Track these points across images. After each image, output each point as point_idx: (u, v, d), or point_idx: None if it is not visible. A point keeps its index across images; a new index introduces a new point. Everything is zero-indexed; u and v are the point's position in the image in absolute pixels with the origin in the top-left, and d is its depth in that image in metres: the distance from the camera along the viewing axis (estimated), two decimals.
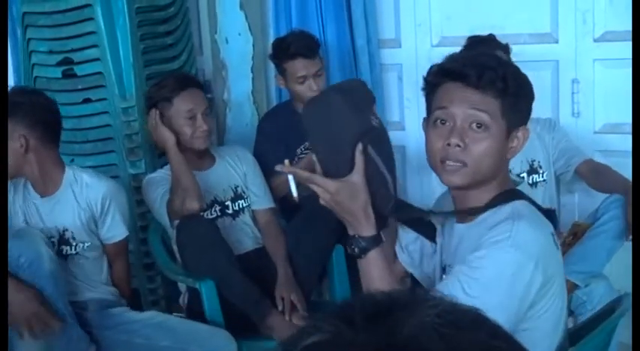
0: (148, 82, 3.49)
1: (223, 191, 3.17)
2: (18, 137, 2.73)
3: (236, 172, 3.23)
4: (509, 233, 1.64)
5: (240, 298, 2.92)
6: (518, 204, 1.74)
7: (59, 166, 2.87)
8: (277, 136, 3.42)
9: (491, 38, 3.14)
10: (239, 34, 3.92)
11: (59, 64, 3.51)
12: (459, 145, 1.71)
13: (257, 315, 2.94)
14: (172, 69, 3.60)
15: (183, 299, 3.13)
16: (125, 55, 3.41)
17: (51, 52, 3.52)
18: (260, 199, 3.25)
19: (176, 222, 2.96)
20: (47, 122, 2.81)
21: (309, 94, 3.33)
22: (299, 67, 3.35)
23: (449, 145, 1.72)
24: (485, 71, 1.71)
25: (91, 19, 3.41)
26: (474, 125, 1.71)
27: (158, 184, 3.04)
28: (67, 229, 2.85)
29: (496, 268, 1.63)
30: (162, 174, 3.08)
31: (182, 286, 3.16)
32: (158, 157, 3.45)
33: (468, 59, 1.81)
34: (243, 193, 3.23)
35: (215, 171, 3.20)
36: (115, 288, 2.99)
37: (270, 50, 3.55)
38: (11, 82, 4.20)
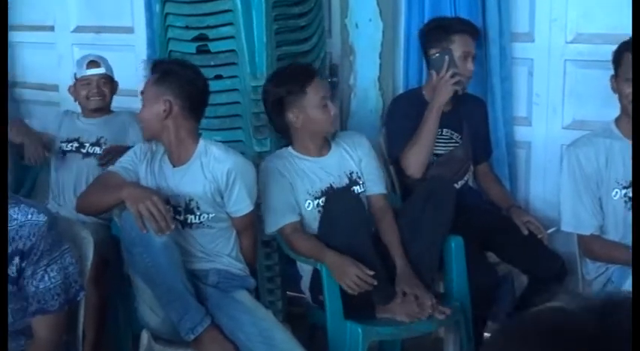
0: (278, 62, 3.53)
1: (339, 177, 3.19)
2: (163, 101, 2.87)
3: (352, 157, 3.24)
4: None
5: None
6: None
7: (194, 139, 2.95)
8: (405, 120, 3.42)
9: None
10: (369, 20, 3.91)
11: (194, 39, 3.57)
12: None
13: (380, 297, 2.95)
14: (303, 51, 3.64)
15: (306, 281, 3.17)
16: (259, 34, 3.45)
17: (187, 27, 3.59)
18: (374, 185, 3.25)
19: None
20: (192, 94, 2.92)
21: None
22: (464, 42, 3.40)
23: None
24: None
25: None
26: None
27: (281, 186, 3.10)
28: (192, 199, 2.91)
29: None
30: (282, 166, 3.14)
31: (302, 269, 3.20)
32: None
33: None
34: (359, 179, 3.23)
35: (331, 157, 3.23)
36: (244, 265, 3.03)
37: (399, 36, 3.58)
38: (144, 55, 4.33)
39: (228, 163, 2.90)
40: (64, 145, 3.83)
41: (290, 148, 3.23)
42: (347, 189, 3.16)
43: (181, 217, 2.91)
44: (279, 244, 3.36)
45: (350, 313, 2.93)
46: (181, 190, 2.92)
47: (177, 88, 2.87)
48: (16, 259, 2.22)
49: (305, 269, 3.17)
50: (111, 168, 3.02)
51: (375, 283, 2.84)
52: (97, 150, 3.79)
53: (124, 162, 3.00)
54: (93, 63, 3.88)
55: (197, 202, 2.91)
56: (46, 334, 2.29)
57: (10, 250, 2.21)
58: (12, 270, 2.23)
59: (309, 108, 3.10)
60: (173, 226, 2.72)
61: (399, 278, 3.00)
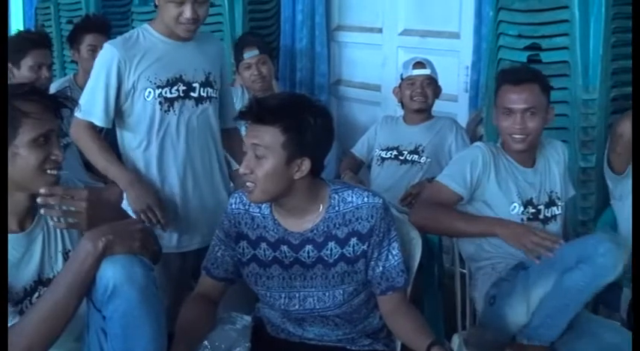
0: (612, 76, 3.41)
1: None
2: (550, 113, 2.89)
3: None
4: None
5: None
6: None
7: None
8: None
9: None
10: None
11: (526, 48, 3.55)
12: None
13: None
14: None
15: (624, 305, 3.04)
16: (595, 46, 3.36)
17: (520, 36, 3.58)
18: None
19: None
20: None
21: None
22: None
23: None
24: None
25: (566, 7, 3.40)
26: None
27: None
28: (553, 191, 2.94)
29: None
30: None
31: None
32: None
33: None
34: None
35: None
36: None
37: None
38: (468, 61, 4.35)
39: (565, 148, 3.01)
40: (383, 153, 4.02)
41: None
42: None
43: (541, 216, 2.92)
44: None
45: None
46: (542, 188, 2.93)
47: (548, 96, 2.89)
48: (353, 240, 2.31)
49: (626, 293, 3.03)
50: (444, 181, 2.88)
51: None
52: (415, 157, 3.92)
53: (458, 173, 2.87)
54: (419, 64, 3.98)
55: (557, 193, 2.94)
56: (393, 309, 2.39)
57: (347, 230, 2.31)
58: (348, 251, 2.32)
59: None
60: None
61: None
